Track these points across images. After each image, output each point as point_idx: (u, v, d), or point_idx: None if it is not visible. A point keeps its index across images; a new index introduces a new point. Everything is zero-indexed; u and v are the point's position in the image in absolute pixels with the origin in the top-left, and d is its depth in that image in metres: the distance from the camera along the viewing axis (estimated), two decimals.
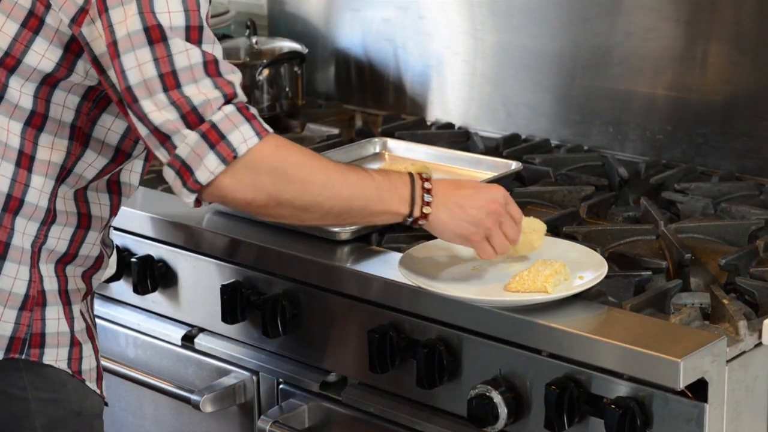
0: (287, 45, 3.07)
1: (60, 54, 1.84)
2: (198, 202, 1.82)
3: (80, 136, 1.90)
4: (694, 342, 1.75)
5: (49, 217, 1.89)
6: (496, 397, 1.87)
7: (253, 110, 1.81)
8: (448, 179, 1.96)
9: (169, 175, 1.80)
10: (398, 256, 2.05)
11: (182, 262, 2.32)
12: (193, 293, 2.32)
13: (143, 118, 1.77)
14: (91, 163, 1.92)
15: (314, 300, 2.12)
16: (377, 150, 2.60)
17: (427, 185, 1.88)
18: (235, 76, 1.81)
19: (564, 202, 2.39)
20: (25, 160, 1.87)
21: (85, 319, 1.96)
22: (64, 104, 1.87)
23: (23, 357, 1.89)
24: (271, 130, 1.81)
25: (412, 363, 1.97)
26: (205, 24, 1.80)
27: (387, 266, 2.04)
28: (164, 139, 1.77)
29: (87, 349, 1.96)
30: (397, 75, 3.04)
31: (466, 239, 1.90)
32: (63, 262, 1.93)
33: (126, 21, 1.75)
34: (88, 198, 1.94)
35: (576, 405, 1.81)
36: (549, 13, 2.76)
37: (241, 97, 1.81)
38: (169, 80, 1.75)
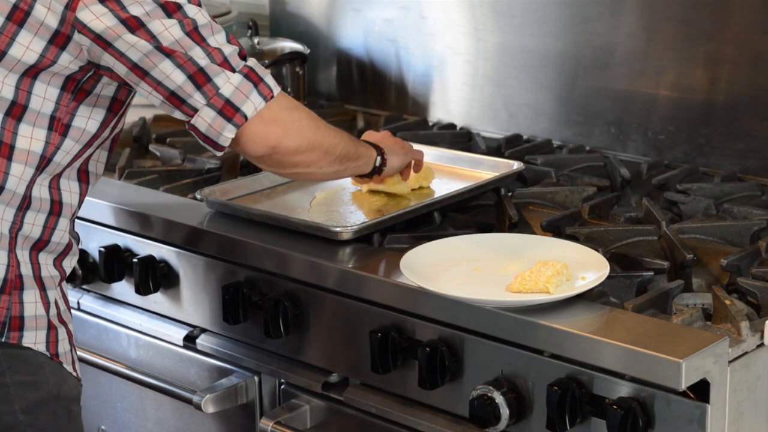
0: (289, 45, 3.07)
1: (44, 45, 1.89)
2: (222, 148, 1.97)
3: (59, 127, 1.94)
4: (696, 343, 1.75)
5: (25, 203, 1.94)
6: (498, 398, 1.87)
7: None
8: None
9: (208, 115, 1.94)
10: (400, 256, 2.05)
11: (184, 262, 2.32)
12: (194, 294, 2.32)
13: (185, 63, 1.90)
14: (69, 151, 1.97)
15: (316, 300, 2.12)
16: None
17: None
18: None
19: (566, 203, 2.39)
20: (4, 149, 1.91)
21: (58, 305, 2.00)
22: (45, 96, 1.92)
23: (2, 339, 1.92)
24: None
25: (414, 363, 1.97)
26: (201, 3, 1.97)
27: (389, 266, 2.04)
28: (205, 81, 1.93)
29: (62, 333, 2.00)
30: (398, 75, 3.04)
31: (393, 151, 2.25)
32: (37, 248, 1.97)
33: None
34: (60, 186, 1.99)
35: (578, 405, 1.81)
36: (551, 13, 2.76)
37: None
38: (196, 36, 1.92)
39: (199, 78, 1.93)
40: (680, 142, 2.61)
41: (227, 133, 1.96)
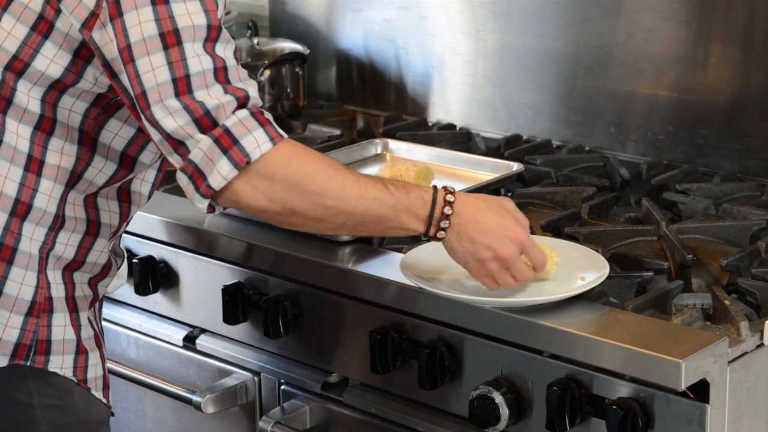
0: (288, 46, 3.07)
1: (69, 59, 1.82)
2: (211, 208, 1.80)
3: (88, 141, 1.88)
4: (696, 343, 1.75)
5: (57, 223, 1.88)
6: (498, 398, 1.87)
7: (268, 115, 1.78)
8: (477, 196, 1.89)
9: (183, 180, 1.78)
10: (400, 256, 2.05)
11: (184, 262, 2.32)
12: (194, 294, 2.32)
13: (155, 124, 1.75)
14: (101, 169, 1.91)
15: (316, 301, 2.12)
16: (379, 151, 2.60)
17: (447, 210, 1.83)
18: (250, 83, 1.80)
19: (565, 203, 2.39)
20: (34, 165, 1.85)
21: (93, 327, 1.95)
22: (71, 109, 1.85)
23: (28, 364, 1.87)
24: (285, 135, 1.79)
25: (414, 364, 1.97)
26: (221, 24, 1.79)
27: (388, 267, 2.04)
28: (177, 144, 1.75)
29: (93, 357, 1.94)
30: (398, 75, 3.04)
31: (469, 270, 1.88)
32: (70, 268, 1.91)
33: (141, 25, 1.74)
34: (98, 204, 1.93)
35: (577, 406, 1.81)
36: (551, 13, 2.76)
37: (256, 101, 1.79)
38: (182, 85, 1.74)
39: (171, 142, 1.75)
40: (680, 142, 2.61)
41: (198, 204, 1.78)
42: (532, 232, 2.22)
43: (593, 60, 2.71)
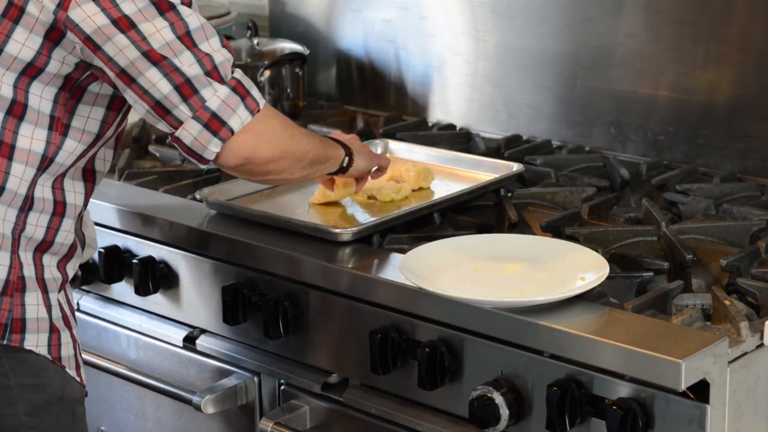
0: (288, 46, 3.07)
1: (40, 42, 1.87)
2: (206, 161, 1.94)
3: (59, 127, 1.93)
4: (696, 343, 1.75)
5: (27, 204, 1.92)
6: (498, 398, 1.87)
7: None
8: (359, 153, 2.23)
9: (193, 128, 1.89)
10: (399, 257, 2.05)
11: (183, 263, 2.32)
12: (194, 294, 2.32)
13: (172, 73, 1.86)
14: (72, 151, 1.96)
15: (315, 301, 2.12)
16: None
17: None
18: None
19: (565, 203, 2.39)
20: (5, 149, 1.89)
21: (62, 308, 1.99)
22: (42, 95, 1.90)
23: (4, 342, 1.91)
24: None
25: (414, 364, 1.97)
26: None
27: (388, 267, 2.04)
28: (192, 92, 1.88)
29: (65, 336, 1.98)
30: (398, 76, 3.04)
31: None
32: (40, 250, 1.96)
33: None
34: (64, 186, 1.98)
35: (577, 406, 1.81)
36: (551, 13, 2.76)
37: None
38: (187, 40, 1.88)
39: (186, 89, 1.88)
40: (680, 142, 2.61)
41: (213, 147, 1.91)
42: (533, 232, 2.24)
43: (593, 60, 2.71)
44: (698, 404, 1.74)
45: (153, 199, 2.42)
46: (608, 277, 1.93)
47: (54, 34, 1.87)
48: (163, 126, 1.92)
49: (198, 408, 2.26)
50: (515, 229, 2.25)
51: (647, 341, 1.76)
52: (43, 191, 1.95)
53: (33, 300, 1.94)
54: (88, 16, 1.85)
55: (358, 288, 2.04)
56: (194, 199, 2.37)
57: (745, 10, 2.51)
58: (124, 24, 1.85)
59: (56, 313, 1.97)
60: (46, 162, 1.93)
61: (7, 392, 1.92)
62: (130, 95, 1.90)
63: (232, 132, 1.91)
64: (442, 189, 2.38)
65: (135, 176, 2.56)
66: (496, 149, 2.71)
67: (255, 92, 1.94)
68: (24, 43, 1.87)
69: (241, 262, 2.21)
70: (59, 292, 1.99)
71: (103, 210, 2.40)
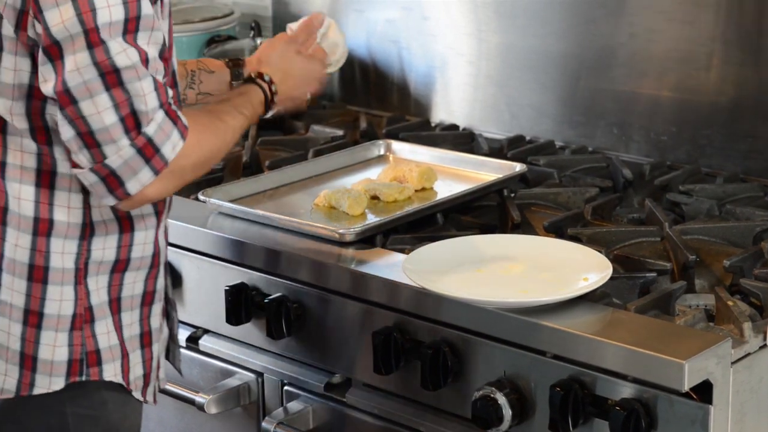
0: None
1: (29, 62, 1.78)
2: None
3: None
4: (699, 344, 1.75)
5: (87, 231, 1.85)
6: (501, 399, 1.87)
7: (174, 107, 1.80)
8: (281, 68, 2.17)
9: (89, 178, 1.77)
10: (403, 257, 2.05)
11: (187, 263, 2.32)
12: (197, 295, 2.32)
13: (77, 119, 1.73)
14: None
15: (319, 301, 2.12)
16: (381, 152, 2.60)
17: (274, 89, 2.10)
18: (161, 76, 1.80)
19: (568, 204, 2.39)
20: (45, 178, 1.83)
21: (141, 325, 1.92)
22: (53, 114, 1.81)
23: (84, 379, 1.86)
24: (186, 121, 1.81)
25: (417, 364, 1.97)
26: (143, 13, 1.76)
27: (391, 267, 2.04)
28: (94, 144, 1.75)
29: (134, 357, 1.91)
30: (401, 76, 3.04)
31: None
32: (118, 270, 1.88)
33: (64, 23, 1.72)
34: None
35: (580, 406, 1.81)
36: (554, 14, 2.76)
37: (169, 94, 1.80)
38: (111, 79, 1.73)
39: (89, 140, 1.74)
40: (683, 142, 2.61)
41: (105, 201, 1.80)
42: (536, 233, 2.23)
43: (596, 61, 2.71)
44: (701, 405, 1.74)
45: None
46: (611, 278, 1.93)
47: (37, 51, 1.77)
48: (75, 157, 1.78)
49: (201, 408, 2.26)
50: (518, 229, 2.25)
51: (650, 342, 1.76)
52: (102, 213, 1.85)
53: (103, 329, 1.87)
54: (36, 33, 1.74)
55: (361, 288, 2.04)
56: (197, 199, 2.37)
57: (749, 10, 2.50)
58: (54, 52, 1.73)
59: (129, 332, 1.90)
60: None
61: (62, 419, 1.86)
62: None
63: (129, 194, 1.78)
64: (445, 189, 2.38)
65: None
66: (499, 150, 2.71)
67: (165, 147, 1.76)
68: (15, 69, 1.78)
69: (244, 262, 2.21)
70: (142, 307, 1.92)
71: None
